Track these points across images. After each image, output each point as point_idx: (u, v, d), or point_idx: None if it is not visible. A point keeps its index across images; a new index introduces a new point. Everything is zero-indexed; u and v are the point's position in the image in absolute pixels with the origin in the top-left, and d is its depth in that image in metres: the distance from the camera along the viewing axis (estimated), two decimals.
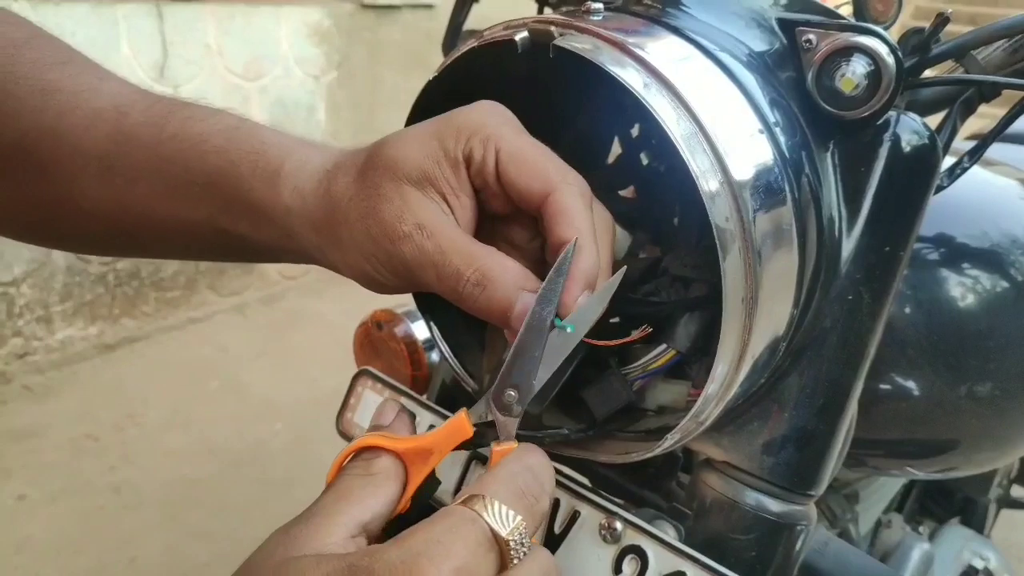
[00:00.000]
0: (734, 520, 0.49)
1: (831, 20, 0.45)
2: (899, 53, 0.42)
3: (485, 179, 0.39)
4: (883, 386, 0.68)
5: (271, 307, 2.91)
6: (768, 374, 0.46)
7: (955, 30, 0.45)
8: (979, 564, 1.01)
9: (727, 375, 0.40)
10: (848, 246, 0.47)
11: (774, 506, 0.48)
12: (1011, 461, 1.18)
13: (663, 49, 0.41)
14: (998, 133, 0.52)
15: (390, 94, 3.30)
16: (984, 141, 0.52)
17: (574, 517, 0.49)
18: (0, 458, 1.99)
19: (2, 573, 1.68)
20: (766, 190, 0.40)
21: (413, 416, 0.41)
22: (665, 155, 0.53)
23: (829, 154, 0.46)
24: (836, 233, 0.46)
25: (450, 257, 0.37)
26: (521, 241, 0.43)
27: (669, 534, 0.47)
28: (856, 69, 0.42)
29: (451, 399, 0.74)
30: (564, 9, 0.61)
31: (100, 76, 0.46)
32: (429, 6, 3.37)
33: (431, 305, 0.48)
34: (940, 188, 0.50)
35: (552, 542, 0.49)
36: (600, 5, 0.44)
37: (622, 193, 0.55)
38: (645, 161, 0.55)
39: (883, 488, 1.07)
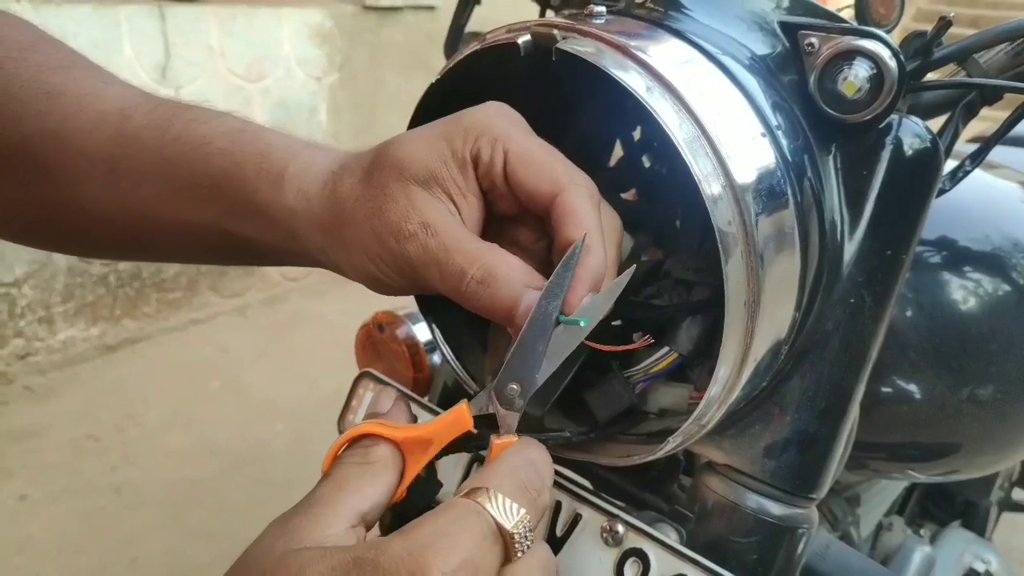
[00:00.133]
0: (736, 523, 0.49)
1: (833, 24, 0.45)
2: (901, 56, 0.42)
3: (493, 180, 0.39)
4: (885, 389, 0.68)
5: (272, 308, 2.91)
6: (770, 377, 0.46)
7: (957, 33, 0.45)
8: (980, 567, 1.01)
9: (729, 378, 0.40)
10: (850, 249, 0.47)
11: (776, 509, 0.48)
12: (1012, 464, 1.19)
13: (665, 52, 0.42)
14: (1000, 136, 0.52)
15: (392, 95, 3.30)
16: (986, 144, 0.52)
17: (576, 520, 0.49)
18: (1, 458, 1.99)
19: (3, 573, 1.68)
20: (768, 193, 0.40)
21: (410, 404, 0.40)
22: (667, 158, 0.53)
23: (831, 157, 0.46)
24: (838, 236, 0.46)
25: (454, 255, 0.37)
26: (526, 242, 0.43)
27: (671, 537, 0.47)
28: (858, 72, 0.43)
29: (453, 401, 0.73)
30: (566, 12, 0.61)
31: (104, 80, 0.46)
32: (431, 8, 3.37)
33: (433, 306, 0.48)
34: (942, 191, 0.50)
35: (554, 544, 0.49)
36: (602, 8, 0.45)
37: (624, 196, 0.55)
38: (647, 164, 0.55)
39: (884, 491, 1.07)
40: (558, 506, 0.49)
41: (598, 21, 0.43)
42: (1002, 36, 0.48)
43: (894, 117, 0.45)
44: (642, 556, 0.46)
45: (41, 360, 2.36)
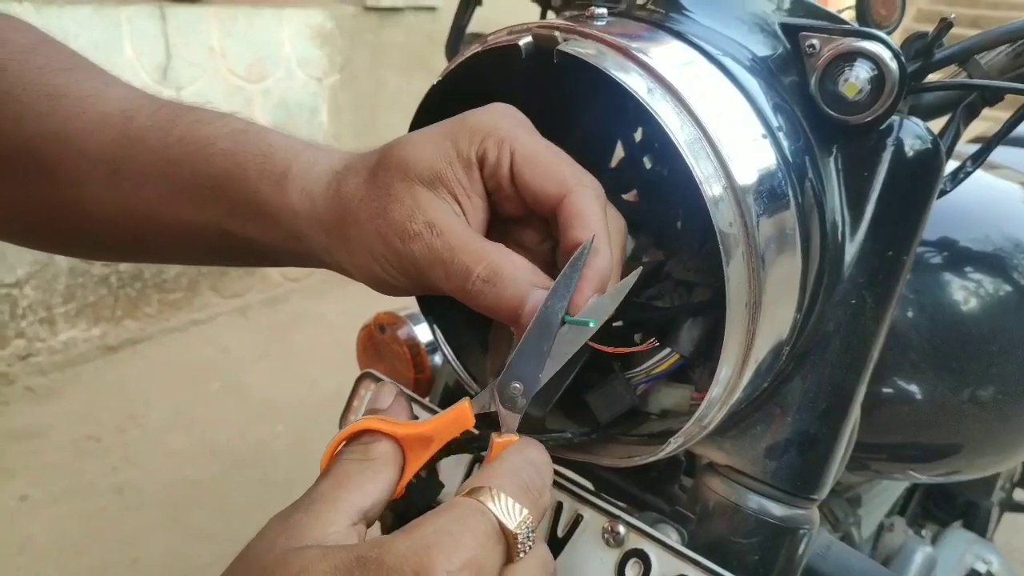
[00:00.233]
0: (737, 524, 0.49)
1: (834, 25, 0.45)
2: (902, 58, 0.42)
3: (499, 181, 0.39)
4: (886, 390, 0.68)
5: (273, 309, 2.91)
6: (771, 378, 0.47)
7: (958, 33, 0.45)
8: (982, 568, 1.01)
9: (730, 379, 0.40)
10: (851, 250, 0.47)
11: (777, 510, 0.48)
12: (1014, 465, 1.18)
13: (667, 54, 0.42)
14: (1002, 137, 0.52)
15: (392, 96, 3.30)
16: (987, 145, 0.52)
17: (577, 521, 0.49)
18: (2, 459, 1.99)
19: (4, 573, 1.68)
20: (769, 195, 0.40)
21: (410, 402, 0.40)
22: (668, 159, 0.53)
23: (832, 159, 0.46)
24: (839, 237, 0.46)
25: (459, 254, 0.37)
26: (531, 243, 0.43)
27: (672, 538, 0.47)
28: (859, 74, 0.43)
29: (454, 402, 0.74)
30: (568, 14, 0.61)
31: (106, 81, 0.46)
32: (432, 8, 3.38)
33: (434, 307, 0.48)
34: (943, 192, 0.50)
35: (555, 545, 0.49)
36: (604, 10, 0.45)
37: (625, 197, 0.55)
38: (648, 165, 0.55)
39: (885, 492, 1.07)
40: (559, 507, 0.49)
41: (599, 23, 0.43)
42: (1003, 37, 0.48)
43: (895, 118, 0.45)
44: (643, 557, 0.46)
45: (42, 361, 2.36)
